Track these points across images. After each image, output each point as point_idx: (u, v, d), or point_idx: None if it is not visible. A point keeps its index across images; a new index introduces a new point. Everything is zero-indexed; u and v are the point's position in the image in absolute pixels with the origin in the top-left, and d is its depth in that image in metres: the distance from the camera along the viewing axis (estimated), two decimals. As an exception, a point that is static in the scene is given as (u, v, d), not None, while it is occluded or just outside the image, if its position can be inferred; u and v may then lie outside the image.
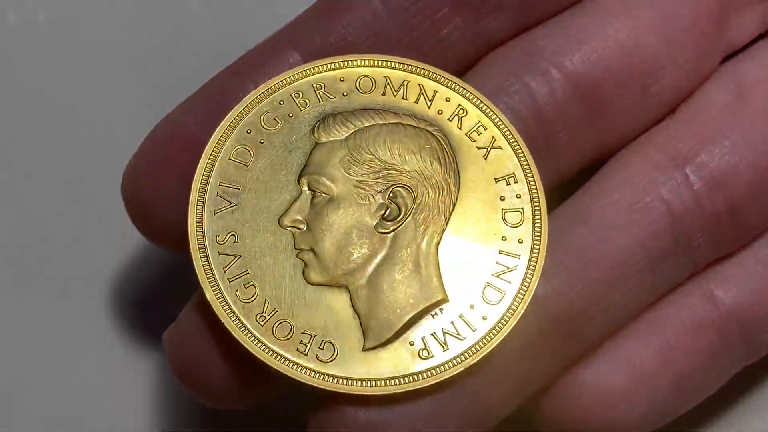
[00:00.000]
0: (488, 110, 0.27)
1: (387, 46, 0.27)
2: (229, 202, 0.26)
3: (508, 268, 0.26)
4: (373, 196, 0.26)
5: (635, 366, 0.27)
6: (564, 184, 0.28)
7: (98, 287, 0.30)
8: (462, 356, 0.25)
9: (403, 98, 0.27)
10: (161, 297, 0.31)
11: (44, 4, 0.31)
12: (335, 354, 0.25)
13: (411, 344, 0.25)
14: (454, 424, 0.25)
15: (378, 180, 0.26)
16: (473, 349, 0.25)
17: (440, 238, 0.26)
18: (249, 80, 0.27)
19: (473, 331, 0.26)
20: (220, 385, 0.26)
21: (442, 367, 0.25)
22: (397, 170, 0.26)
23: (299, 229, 0.26)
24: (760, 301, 0.27)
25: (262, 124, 0.27)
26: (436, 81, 0.27)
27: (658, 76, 0.27)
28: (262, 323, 0.25)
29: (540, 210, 0.26)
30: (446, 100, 0.27)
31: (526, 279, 0.26)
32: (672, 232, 0.27)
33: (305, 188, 0.26)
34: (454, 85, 0.27)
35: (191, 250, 0.26)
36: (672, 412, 0.28)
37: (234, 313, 0.25)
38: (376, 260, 0.26)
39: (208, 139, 0.26)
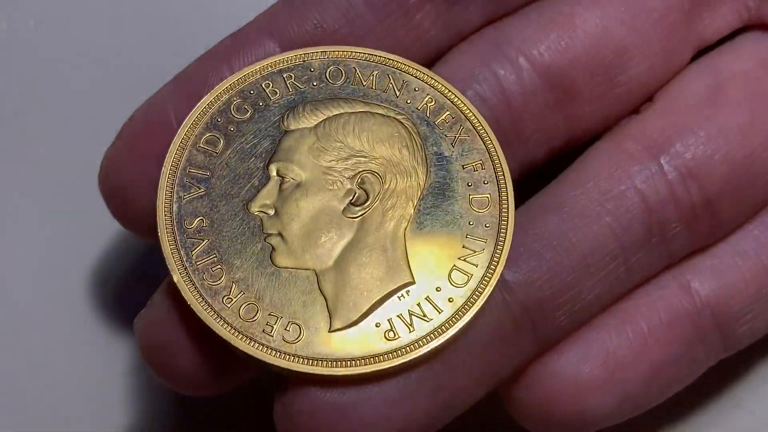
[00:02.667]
0: (456, 99, 0.27)
1: (362, 33, 0.27)
2: (198, 187, 0.26)
3: (474, 252, 0.26)
4: (341, 182, 0.26)
5: (608, 355, 0.26)
6: (538, 173, 0.28)
7: (74, 274, 0.31)
8: (428, 337, 0.25)
9: (371, 88, 0.27)
10: (136, 284, 0.31)
11: (34, 11, 0.32)
12: (301, 335, 0.25)
13: (377, 325, 0.25)
14: (421, 408, 0.25)
15: (346, 167, 0.26)
16: (439, 330, 0.25)
17: (408, 223, 0.26)
18: (226, 66, 0.27)
19: (439, 312, 0.25)
20: (190, 372, 0.26)
21: (408, 348, 0.25)
22: (365, 157, 0.26)
23: (267, 214, 0.26)
24: (736, 294, 0.27)
25: (233, 112, 0.27)
26: (404, 72, 0.27)
27: (625, 67, 0.28)
28: (228, 305, 0.25)
29: (507, 195, 0.26)
30: (415, 90, 0.27)
31: (492, 262, 0.26)
32: (645, 221, 0.27)
33: (274, 174, 0.26)
34: (422, 75, 0.27)
35: (159, 233, 0.26)
36: (646, 402, 0.27)
37: (201, 295, 0.25)
38: (344, 244, 0.26)
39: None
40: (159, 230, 0.26)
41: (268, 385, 0.26)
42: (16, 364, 0.30)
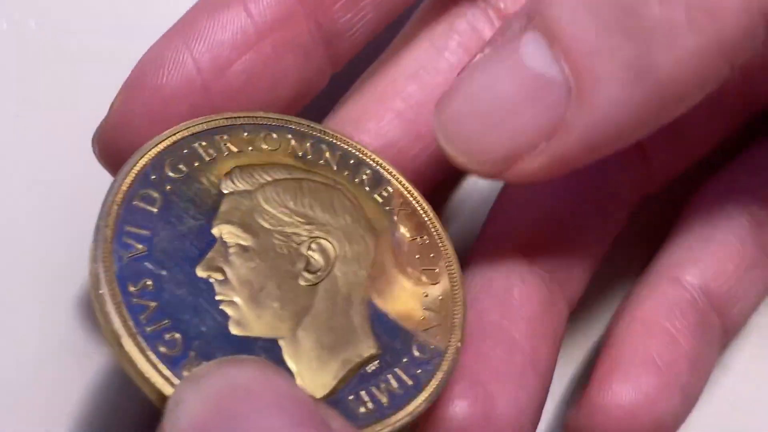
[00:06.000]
0: (394, 174, 0.27)
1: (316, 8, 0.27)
2: (138, 246, 0.23)
3: (433, 324, 0.25)
4: (293, 247, 0.24)
5: (654, 359, 0.27)
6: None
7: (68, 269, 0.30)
8: (400, 409, 0.24)
9: (308, 156, 0.26)
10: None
11: (34, 12, 0.33)
12: None
13: (350, 399, 0.23)
14: None
15: (296, 232, 0.25)
16: (409, 401, 0.24)
17: (365, 290, 0.25)
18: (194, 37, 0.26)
19: (410, 384, 0.24)
20: None
21: (384, 423, 0.23)
22: (314, 224, 0.25)
23: (216, 279, 0.23)
24: (719, 276, 0.29)
25: (167, 170, 0.24)
26: (340, 142, 0.27)
27: None
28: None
29: (453, 265, 0.26)
30: (351, 163, 0.26)
31: (453, 336, 0.25)
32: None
33: (219, 236, 0.24)
34: (358, 150, 0.27)
35: (105, 301, 0.22)
36: (696, 393, 0.28)
37: (155, 367, 0.22)
38: (300, 313, 0.24)
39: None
40: (105, 298, 0.22)
41: None
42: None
